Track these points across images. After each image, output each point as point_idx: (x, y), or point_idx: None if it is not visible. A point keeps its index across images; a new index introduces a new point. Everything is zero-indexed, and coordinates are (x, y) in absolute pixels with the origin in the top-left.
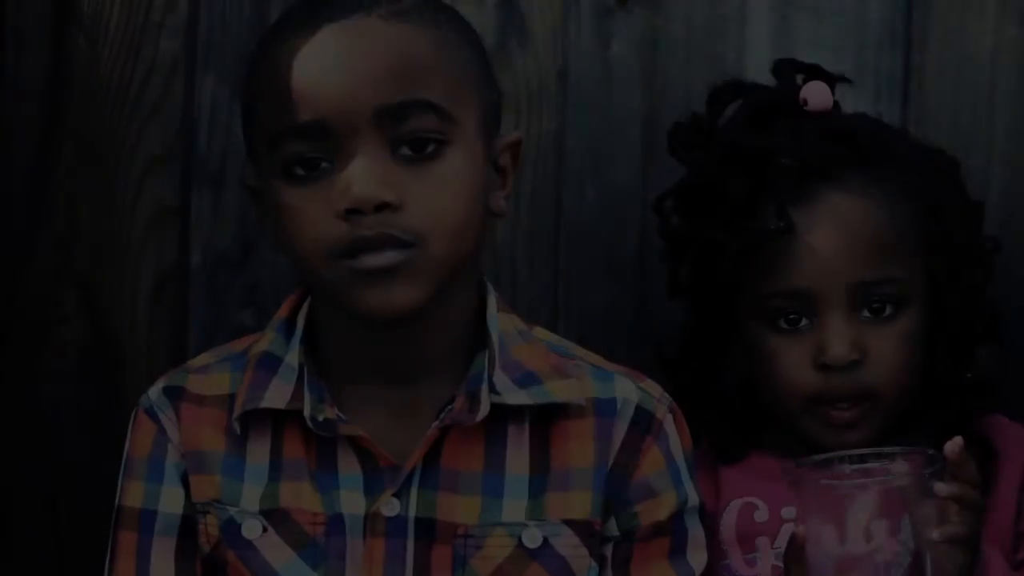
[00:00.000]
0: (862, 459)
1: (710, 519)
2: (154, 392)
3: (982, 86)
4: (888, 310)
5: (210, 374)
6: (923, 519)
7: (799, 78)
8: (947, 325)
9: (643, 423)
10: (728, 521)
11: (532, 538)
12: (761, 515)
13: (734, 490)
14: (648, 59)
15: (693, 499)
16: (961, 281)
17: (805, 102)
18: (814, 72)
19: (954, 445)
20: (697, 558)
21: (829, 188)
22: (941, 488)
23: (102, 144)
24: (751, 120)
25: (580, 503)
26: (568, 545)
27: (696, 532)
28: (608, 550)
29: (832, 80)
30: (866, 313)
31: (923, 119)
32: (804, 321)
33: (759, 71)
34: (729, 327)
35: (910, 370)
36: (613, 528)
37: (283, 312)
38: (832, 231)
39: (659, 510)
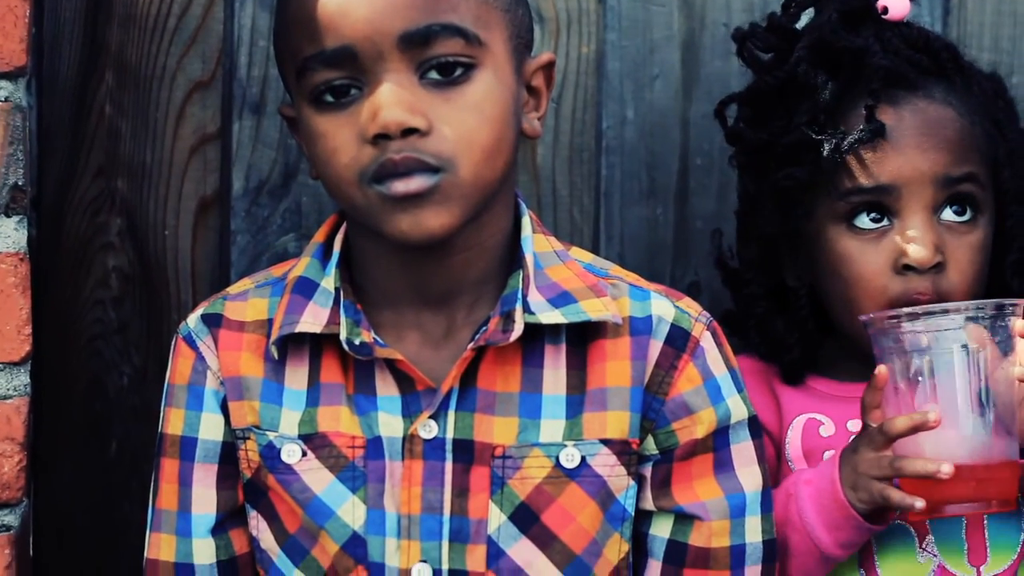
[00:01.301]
0: (944, 311)
1: (775, 440)
2: (192, 320)
3: (1023, 4)
4: (968, 213)
5: (249, 299)
6: (1002, 367)
7: None
8: (1016, 236)
9: (678, 341)
10: (793, 438)
11: (570, 458)
12: (827, 430)
13: (796, 407)
14: None
15: (739, 413)
16: None
17: (885, 10)
18: None
19: None
20: (748, 474)
21: (914, 95)
22: (1020, 325)
23: (143, 71)
24: (841, 21)
25: (617, 423)
26: (606, 464)
27: (743, 446)
28: (647, 470)
29: None
30: (946, 215)
31: (964, 38)
32: (885, 221)
33: None
34: (799, 234)
35: (981, 282)
36: (652, 447)
37: (319, 236)
38: (918, 130)
39: (697, 427)
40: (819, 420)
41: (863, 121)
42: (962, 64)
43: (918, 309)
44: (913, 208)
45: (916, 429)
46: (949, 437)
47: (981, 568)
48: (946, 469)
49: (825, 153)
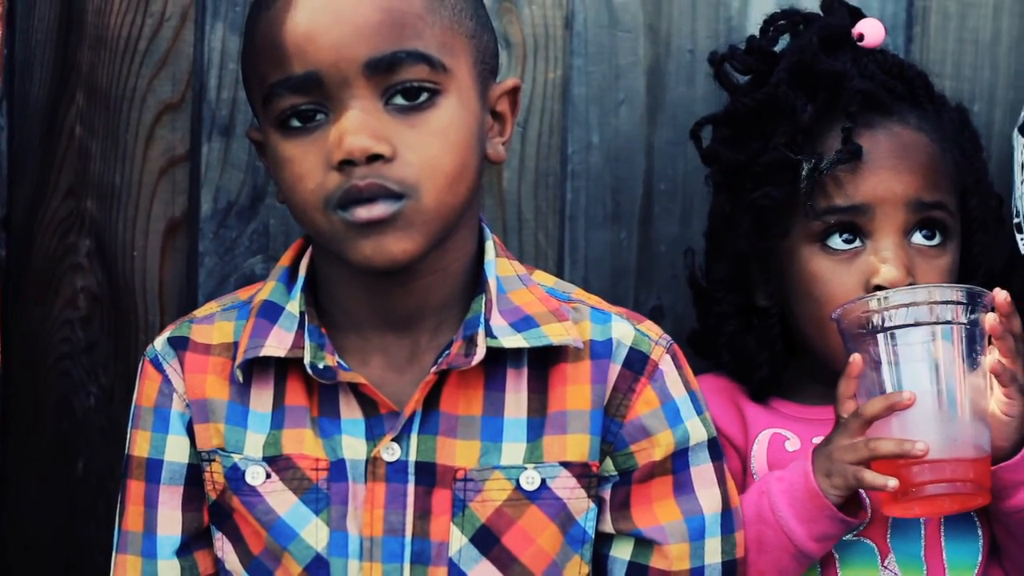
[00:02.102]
0: (913, 295)
1: (741, 454)
2: (159, 342)
3: (985, 32)
4: (937, 238)
5: (215, 323)
6: (975, 362)
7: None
8: (982, 263)
9: (636, 364)
10: (759, 451)
11: (530, 481)
12: (793, 444)
13: (762, 423)
14: (653, 7)
15: (699, 435)
16: (990, 224)
17: (861, 36)
18: (857, 13)
19: (1003, 293)
20: (708, 496)
21: (889, 119)
22: (990, 319)
23: (113, 93)
24: (820, 45)
25: (577, 446)
26: (566, 487)
27: (703, 468)
28: (607, 491)
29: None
30: (916, 239)
31: (927, 65)
32: (858, 243)
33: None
34: (772, 254)
35: None
36: (611, 468)
37: (285, 261)
38: (893, 153)
39: (654, 450)
40: (784, 435)
41: (840, 143)
42: (933, 93)
43: (890, 295)
44: (886, 230)
45: (891, 409)
46: (920, 429)
47: None
48: (921, 447)
49: (803, 174)
